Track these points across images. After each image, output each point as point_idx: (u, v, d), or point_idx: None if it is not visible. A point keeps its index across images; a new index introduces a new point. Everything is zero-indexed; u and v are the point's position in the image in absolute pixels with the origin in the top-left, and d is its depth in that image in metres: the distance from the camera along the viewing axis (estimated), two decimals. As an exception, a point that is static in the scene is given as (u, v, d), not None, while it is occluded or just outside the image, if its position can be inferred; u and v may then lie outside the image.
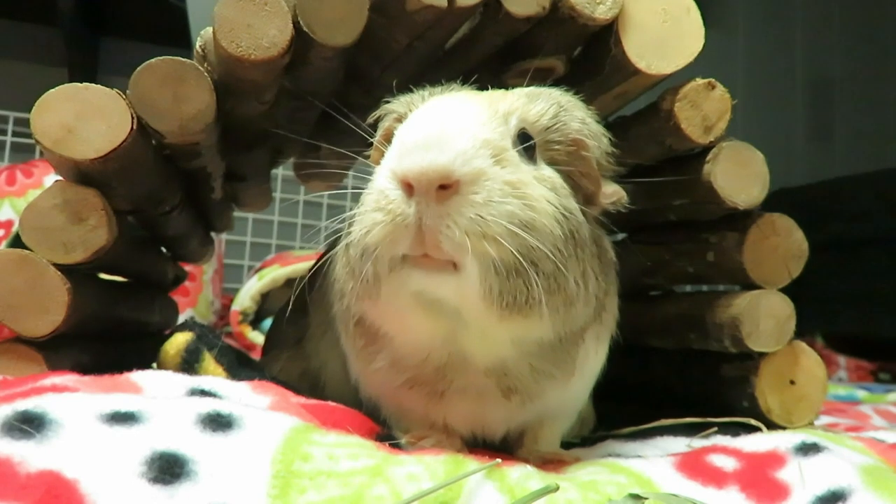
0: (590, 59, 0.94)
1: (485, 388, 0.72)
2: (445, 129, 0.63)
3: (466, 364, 0.71)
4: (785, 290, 0.96)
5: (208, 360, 0.90)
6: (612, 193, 0.76)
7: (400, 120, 0.75)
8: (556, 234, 0.65)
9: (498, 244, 0.61)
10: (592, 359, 0.80)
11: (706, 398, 1.04)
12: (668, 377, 1.15)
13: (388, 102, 0.79)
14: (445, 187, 0.61)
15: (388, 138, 0.74)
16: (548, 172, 0.71)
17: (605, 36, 0.89)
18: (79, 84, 0.79)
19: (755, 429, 0.88)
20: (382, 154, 0.70)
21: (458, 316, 0.66)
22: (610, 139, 0.77)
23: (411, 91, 0.78)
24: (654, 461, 0.72)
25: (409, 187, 0.61)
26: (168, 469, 0.51)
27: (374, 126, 0.80)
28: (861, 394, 1.98)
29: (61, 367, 0.79)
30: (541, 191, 0.67)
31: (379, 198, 0.64)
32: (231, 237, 2.91)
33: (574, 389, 0.80)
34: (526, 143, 0.70)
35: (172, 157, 0.95)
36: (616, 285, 0.83)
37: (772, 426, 0.92)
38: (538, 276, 0.63)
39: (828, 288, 2.80)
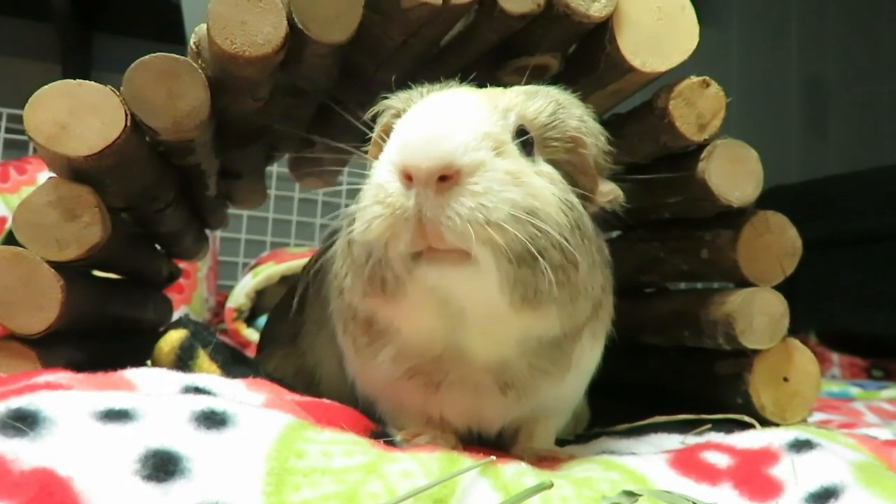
0: (584, 57, 0.94)
1: (482, 381, 0.72)
2: (446, 121, 0.63)
3: (462, 358, 0.71)
4: (779, 288, 0.96)
5: (203, 358, 0.90)
6: (609, 192, 0.76)
7: (398, 116, 0.74)
8: (561, 224, 0.65)
9: (503, 230, 0.61)
10: (588, 356, 0.80)
11: (700, 395, 1.04)
12: (662, 374, 1.15)
13: (385, 98, 0.79)
14: (445, 178, 0.60)
15: (386, 133, 0.74)
16: (546, 168, 0.71)
17: (600, 33, 0.89)
18: (72, 81, 0.78)
19: (749, 426, 0.89)
20: (381, 149, 0.70)
21: (460, 313, 0.66)
22: (607, 138, 0.77)
23: (409, 88, 0.78)
24: (648, 458, 0.72)
25: (408, 179, 0.61)
26: (162, 467, 0.51)
27: (372, 122, 0.80)
28: (854, 391, 1.99)
29: (55, 364, 0.79)
30: (542, 182, 0.67)
31: (378, 191, 0.63)
32: (226, 234, 2.90)
33: (569, 386, 0.80)
34: (524, 139, 0.70)
35: (167, 154, 0.94)
36: (611, 283, 0.83)
37: (765, 423, 0.92)
38: (547, 267, 0.63)
39: (822, 285, 2.81)
